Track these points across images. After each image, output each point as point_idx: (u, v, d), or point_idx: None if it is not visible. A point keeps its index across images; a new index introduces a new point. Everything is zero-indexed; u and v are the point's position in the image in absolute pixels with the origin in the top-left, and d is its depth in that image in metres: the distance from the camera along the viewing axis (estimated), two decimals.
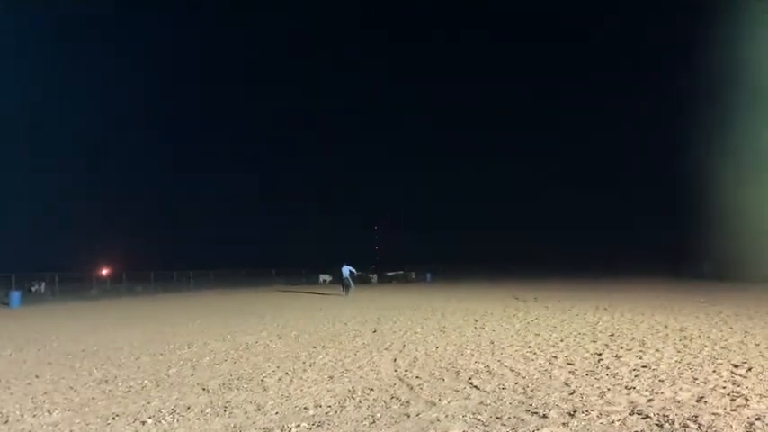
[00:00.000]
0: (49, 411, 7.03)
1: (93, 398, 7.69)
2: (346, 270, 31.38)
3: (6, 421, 6.66)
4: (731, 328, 12.40)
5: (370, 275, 45.97)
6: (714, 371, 7.90)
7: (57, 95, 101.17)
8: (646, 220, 67.05)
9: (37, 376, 9.43)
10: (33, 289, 42.14)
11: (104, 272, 61.20)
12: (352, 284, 31.10)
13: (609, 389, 7.00)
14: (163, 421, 6.36)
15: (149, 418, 6.52)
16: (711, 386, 6.98)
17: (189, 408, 6.91)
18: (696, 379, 7.40)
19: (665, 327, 12.77)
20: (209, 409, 6.80)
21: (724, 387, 6.90)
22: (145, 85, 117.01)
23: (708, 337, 11.12)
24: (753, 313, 15.35)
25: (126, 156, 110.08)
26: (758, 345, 10.02)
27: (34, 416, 6.85)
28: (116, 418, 6.60)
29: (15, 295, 28.81)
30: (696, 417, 5.63)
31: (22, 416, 6.86)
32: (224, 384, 8.22)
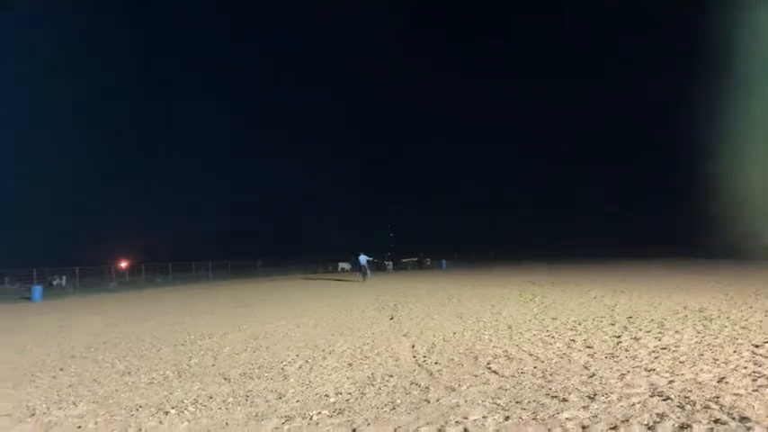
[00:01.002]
0: (74, 404, 7.15)
1: (116, 390, 7.81)
2: (363, 259, 33.05)
3: (33, 414, 6.79)
4: (751, 307, 12.28)
5: (386, 263, 46.06)
6: (735, 351, 7.84)
7: (72, 89, 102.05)
8: (659, 204, 66.58)
9: (61, 369, 9.59)
10: (54, 283, 42.81)
11: (123, 264, 61.99)
12: (369, 272, 32.45)
13: (629, 371, 6.97)
14: (186, 411, 6.45)
15: (172, 408, 6.61)
16: (732, 367, 6.93)
17: (211, 397, 7.00)
18: (717, 360, 7.35)
19: (684, 308, 12.68)
20: (230, 399, 6.88)
21: (745, 367, 6.85)
22: (158, 83, 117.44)
23: (728, 317, 11.02)
24: None
25: (138, 149, 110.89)
26: None
27: (60, 408, 6.97)
28: (140, 409, 6.70)
29: (37, 290, 29.33)
30: (718, 398, 5.60)
31: (48, 409, 6.99)
32: (245, 374, 8.31)
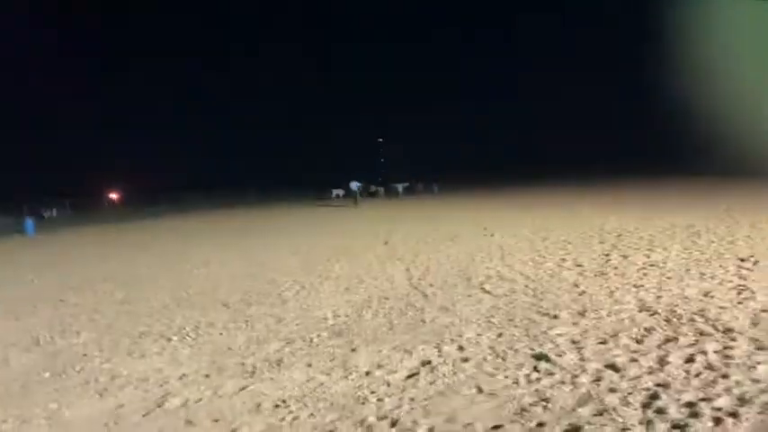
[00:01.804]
0: (77, 333, 7.31)
1: (117, 319, 7.98)
2: (354, 185, 35.00)
3: (38, 344, 6.96)
4: (738, 222, 12.48)
5: (378, 188, 45.94)
6: (721, 266, 8.04)
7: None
8: (650, 116, 65.75)
9: (61, 300, 9.74)
10: (46, 215, 42.79)
11: (114, 196, 61.84)
12: (359, 197, 33.34)
13: (617, 288, 7.17)
14: (188, 338, 6.62)
15: (174, 335, 6.79)
16: (718, 281, 7.13)
17: (212, 324, 7.17)
18: (703, 275, 7.56)
19: (673, 225, 12.86)
20: (231, 324, 7.06)
21: (731, 281, 7.05)
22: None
23: (715, 232, 11.22)
24: (760, 207, 15.33)
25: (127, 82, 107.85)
26: (765, 238, 10.11)
27: (63, 338, 7.14)
28: (142, 336, 6.87)
29: (29, 223, 29.04)
30: (703, 311, 5.79)
31: (52, 338, 7.16)
32: (244, 300, 8.48)
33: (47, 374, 5.74)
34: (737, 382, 3.96)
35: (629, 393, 3.93)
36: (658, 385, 4.02)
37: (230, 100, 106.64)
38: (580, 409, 3.76)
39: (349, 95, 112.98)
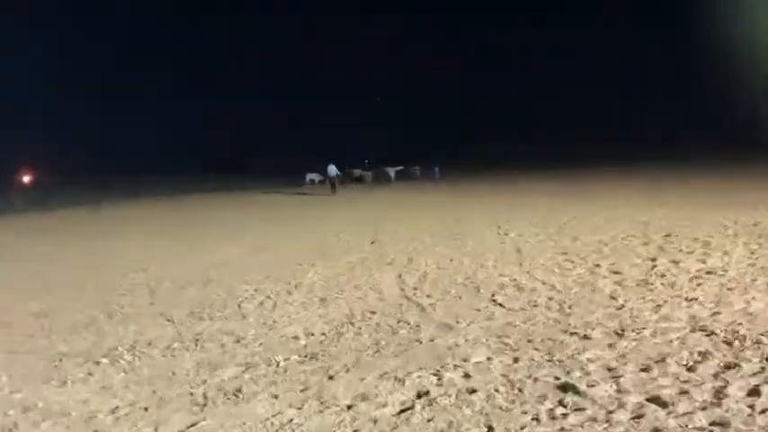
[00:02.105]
0: None
1: (32, 335, 7.91)
2: (333, 169, 34.58)
3: None
4: None
5: (364, 173, 45.57)
6: None
7: None
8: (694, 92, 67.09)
9: None
10: None
11: (26, 179, 61.23)
12: (339, 183, 33.45)
13: (665, 301, 7.19)
14: (121, 360, 6.57)
15: (103, 357, 6.73)
16: None
17: (151, 343, 7.13)
18: None
19: (734, 223, 12.89)
20: (176, 344, 7.02)
21: None
22: None
23: None
24: None
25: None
26: None
27: None
28: (63, 359, 6.81)
29: None
30: None
31: None
32: (192, 313, 8.44)
33: None
34: None
35: None
36: (714, 424, 4.04)
37: (230, 99, 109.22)
38: None
39: (349, 95, 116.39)
